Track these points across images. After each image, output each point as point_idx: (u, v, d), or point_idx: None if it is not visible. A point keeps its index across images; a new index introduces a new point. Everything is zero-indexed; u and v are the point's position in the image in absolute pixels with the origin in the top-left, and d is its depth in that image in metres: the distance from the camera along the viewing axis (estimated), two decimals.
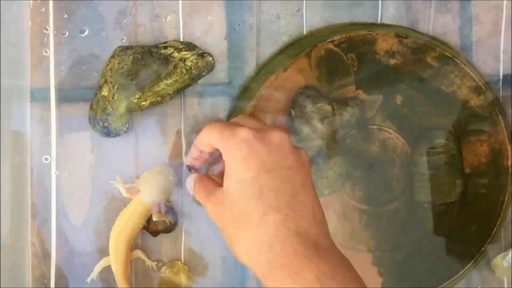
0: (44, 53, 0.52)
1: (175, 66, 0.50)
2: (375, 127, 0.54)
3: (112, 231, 0.51)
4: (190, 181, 0.48)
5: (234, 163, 0.40)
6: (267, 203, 0.38)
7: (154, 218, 0.52)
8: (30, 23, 0.52)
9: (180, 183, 0.54)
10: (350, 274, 0.38)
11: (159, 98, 0.51)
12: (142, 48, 0.51)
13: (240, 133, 0.40)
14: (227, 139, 0.41)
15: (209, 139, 0.43)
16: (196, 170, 0.49)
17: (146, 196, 0.51)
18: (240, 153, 0.40)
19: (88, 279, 0.52)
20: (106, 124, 0.51)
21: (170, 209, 0.53)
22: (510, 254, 0.55)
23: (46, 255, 0.53)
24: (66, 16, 0.52)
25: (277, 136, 0.41)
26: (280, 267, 0.37)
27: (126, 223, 0.51)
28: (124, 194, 0.52)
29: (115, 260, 0.51)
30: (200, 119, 0.53)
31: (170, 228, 0.53)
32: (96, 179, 0.53)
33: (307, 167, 0.41)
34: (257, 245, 0.38)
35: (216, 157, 0.49)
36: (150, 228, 0.53)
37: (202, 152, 0.47)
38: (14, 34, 0.51)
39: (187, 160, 0.49)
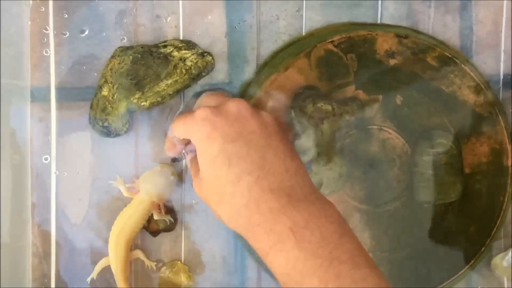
0: (44, 53, 0.52)
1: (175, 66, 0.50)
2: (375, 127, 0.54)
3: (112, 231, 0.51)
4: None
5: (201, 142, 0.42)
6: (238, 170, 0.40)
7: (155, 217, 0.52)
8: (30, 23, 0.52)
9: (180, 182, 0.54)
10: (327, 219, 0.39)
11: (159, 99, 0.51)
12: (142, 47, 0.51)
13: (199, 114, 0.42)
14: (190, 125, 0.43)
15: (177, 132, 0.46)
16: (178, 161, 0.51)
17: (146, 196, 0.51)
18: (202, 132, 0.42)
19: (88, 279, 0.52)
20: (106, 124, 0.51)
21: (170, 208, 0.53)
22: (510, 254, 0.55)
23: (46, 255, 0.53)
24: (66, 16, 0.52)
25: (234, 106, 0.43)
26: (257, 226, 0.39)
27: (126, 223, 0.51)
28: (125, 194, 0.52)
29: (115, 260, 0.51)
30: None
31: (170, 228, 0.53)
32: (96, 179, 0.53)
33: (271, 126, 0.43)
34: (237, 210, 0.40)
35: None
36: (150, 227, 0.53)
37: (175, 144, 0.49)
38: (14, 34, 0.51)
39: (168, 154, 0.51)
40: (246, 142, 0.41)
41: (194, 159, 0.47)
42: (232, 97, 0.46)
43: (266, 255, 0.39)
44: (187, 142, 0.49)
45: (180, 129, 0.46)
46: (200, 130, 0.42)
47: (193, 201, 0.54)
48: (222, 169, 0.40)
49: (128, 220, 0.51)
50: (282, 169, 0.40)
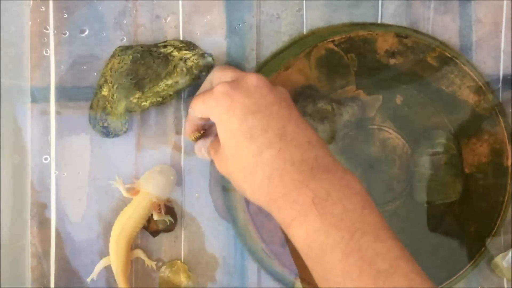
0: (44, 53, 0.52)
1: (175, 66, 0.50)
2: (375, 127, 0.54)
3: (113, 231, 0.51)
4: (199, 148, 0.48)
5: (221, 117, 0.41)
6: (259, 142, 0.39)
7: (155, 217, 0.52)
8: (30, 22, 0.52)
9: (180, 182, 0.54)
10: (350, 190, 0.38)
11: (159, 99, 0.51)
12: (141, 47, 0.51)
13: (217, 90, 0.42)
14: (209, 101, 0.42)
15: (197, 110, 0.45)
16: (199, 138, 0.49)
17: (146, 196, 0.51)
18: (222, 107, 0.41)
19: (89, 279, 0.52)
20: (106, 124, 0.51)
21: (170, 208, 0.53)
22: (510, 254, 0.55)
23: (46, 255, 0.53)
24: (66, 16, 0.52)
25: (252, 79, 0.42)
26: (280, 198, 0.38)
27: (126, 223, 0.51)
28: (125, 194, 0.52)
29: (115, 260, 0.51)
30: None
31: (170, 228, 0.53)
32: (96, 179, 0.53)
33: (288, 100, 0.42)
34: (260, 183, 0.39)
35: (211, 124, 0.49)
36: (150, 227, 0.53)
37: (196, 126, 0.48)
38: (14, 34, 0.51)
39: (189, 138, 0.49)
40: (266, 114, 0.40)
41: (214, 139, 0.47)
42: (246, 72, 0.45)
43: (288, 227, 0.39)
44: (206, 121, 0.48)
45: (199, 107, 0.44)
46: (220, 105, 0.41)
47: (196, 195, 0.54)
48: (244, 142, 0.40)
49: (128, 220, 0.51)
50: (304, 140, 0.40)
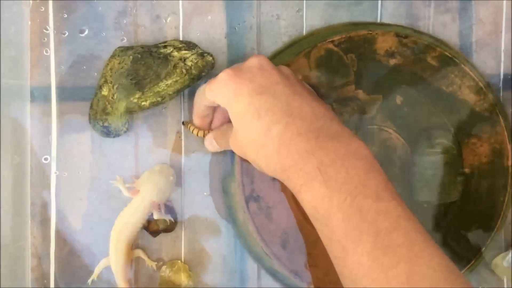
0: (44, 53, 0.52)
1: (175, 66, 0.50)
2: (375, 127, 0.54)
3: (113, 230, 0.51)
4: (209, 141, 0.50)
5: (229, 101, 0.43)
6: (267, 120, 0.41)
7: (155, 216, 0.52)
8: (30, 22, 0.52)
9: (180, 182, 0.54)
10: (354, 156, 0.40)
11: (159, 99, 0.51)
12: (142, 48, 0.51)
13: (221, 76, 0.44)
14: (215, 89, 0.44)
15: (207, 97, 0.46)
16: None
17: (146, 195, 0.51)
18: (229, 91, 0.43)
19: (89, 280, 0.52)
20: (106, 124, 0.51)
21: (170, 208, 0.53)
22: (510, 254, 0.55)
23: (46, 255, 0.53)
24: (66, 15, 0.52)
25: (255, 61, 0.44)
26: (289, 168, 0.41)
27: (126, 223, 0.51)
28: (125, 193, 0.52)
29: (115, 260, 0.51)
30: None
31: (170, 228, 0.53)
32: (96, 179, 0.53)
33: (292, 78, 0.44)
34: (271, 157, 0.42)
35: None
36: (150, 228, 0.53)
37: (204, 117, 0.50)
38: (14, 34, 0.51)
39: (198, 134, 0.51)
40: (271, 94, 0.42)
41: (221, 128, 0.50)
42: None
43: (298, 193, 0.41)
44: (213, 111, 0.50)
45: (209, 97, 0.46)
46: (227, 90, 0.43)
47: (205, 193, 0.54)
48: (253, 122, 0.42)
49: (128, 220, 0.51)
50: (309, 113, 0.42)
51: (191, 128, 0.52)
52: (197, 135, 0.52)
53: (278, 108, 0.41)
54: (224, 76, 0.43)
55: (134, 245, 0.53)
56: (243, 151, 0.44)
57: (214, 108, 0.50)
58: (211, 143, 0.50)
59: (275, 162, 0.42)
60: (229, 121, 0.46)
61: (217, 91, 0.44)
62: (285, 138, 0.41)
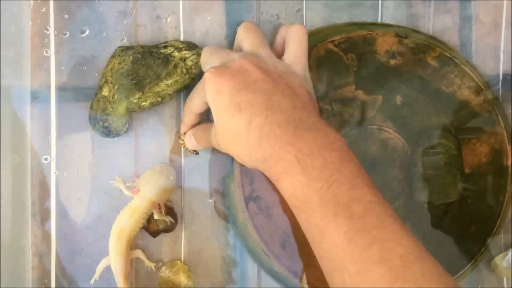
0: (44, 53, 0.52)
1: (175, 66, 0.51)
2: (375, 127, 0.54)
3: (112, 230, 0.51)
4: (188, 137, 0.51)
5: (213, 99, 0.45)
6: (248, 114, 0.43)
7: (155, 216, 0.52)
8: (30, 23, 0.52)
9: (179, 183, 0.54)
10: (331, 146, 0.42)
11: (159, 99, 0.51)
12: (142, 48, 0.51)
13: (206, 75, 0.46)
14: (201, 88, 0.47)
15: (195, 105, 0.49)
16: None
17: (147, 195, 0.51)
18: (213, 91, 0.45)
19: (92, 281, 0.52)
20: (106, 124, 0.51)
21: (170, 208, 0.53)
22: (510, 254, 0.55)
23: (46, 255, 0.53)
24: (66, 16, 0.52)
25: (237, 61, 0.46)
26: (269, 157, 0.43)
27: (126, 222, 0.51)
28: (126, 193, 0.52)
29: (115, 259, 0.51)
30: None
31: (170, 229, 0.53)
32: (96, 179, 0.53)
33: (274, 73, 0.46)
34: (252, 148, 0.44)
35: None
36: (150, 228, 0.53)
37: (193, 119, 0.52)
38: (14, 34, 0.51)
39: (190, 146, 0.52)
40: (252, 90, 0.44)
41: (198, 126, 0.51)
42: (235, 52, 0.48)
43: (277, 181, 0.43)
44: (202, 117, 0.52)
45: (197, 102, 0.49)
46: (211, 89, 0.45)
47: (205, 195, 0.54)
48: (234, 116, 0.44)
49: (128, 220, 0.51)
50: (289, 106, 0.44)
51: (182, 143, 0.53)
52: (180, 142, 0.53)
53: (258, 103, 0.43)
54: (207, 75, 0.45)
55: (133, 245, 0.53)
56: (225, 144, 0.46)
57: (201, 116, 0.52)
58: (190, 140, 0.52)
59: (256, 153, 0.43)
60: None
61: (203, 90, 0.46)
62: (265, 130, 0.43)
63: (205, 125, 0.51)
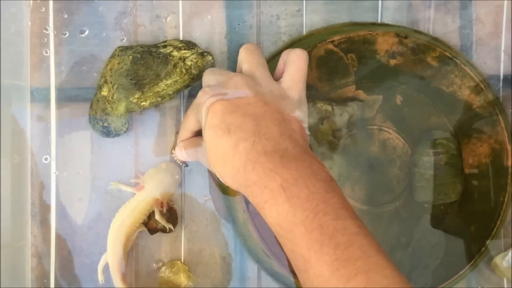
0: (44, 53, 0.52)
1: (175, 66, 0.50)
2: (375, 127, 0.54)
3: (112, 223, 0.51)
4: (179, 149, 0.51)
5: (205, 117, 0.46)
6: (236, 136, 0.44)
7: (157, 217, 0.52)
8: (30, 23, 0.52)
9: (180, 182, 0.54)
10: (315, 176, 0.43)
11: (159, 99, 0.51)
12: (141, 47, 0.51)
13: (200, 98, 0.47)
14: (197, 110, 0.48)
15: (189, 123, 0.50)
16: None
17: (151, 192, 0.51)
18: (206, 109, 0.46)
19: (100, 280, 0.52)
20: (106, 124, 0.51)
21: (172, 208, 0.53)
22: (510, 254, 0.55)
23: (46, 255, 0.53)
24: (66, 16, 0.52)
25: (231, 85, 0.46)
26: (253, 184, 0.43)
27: (126, 218, 0.51)
28: (128, 189, 0.52)
29: (112, 254, 0.51)
30: None
31: (169, 229, 0.53)
32: (96, 179, 0.53)
33: (268, 96, 0.46)
34: (237, 171, 0.44)
35: None
36: (149, 224, 0.53)
37: (189, 133, 0.52)
38: (14, 34, 0.51)
39: (180, 157, 0.52)
40: (242, 113, 0.44)
41: (189, 139, 0.51)
42: (231, 73, 0.49)
43: (262, 209, 0.43)
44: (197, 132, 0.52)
45: (192, 121, 0.49)
46: (205, 110, 0.46)
47: (205, 198, 0.54)
48: (223, 136, 0.44)
49: (129, 215, 0.51)
50: (276, 134, 0.44)
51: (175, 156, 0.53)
52: (173, 153, 0.53)
53: (247, 127, 0.44)
54: (202, 99, 0.46)
55: (133, 243, 0.53)
56: (212, 162, 0.46)
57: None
58: (180, 152, 0.51)
59: (240, 176, 0.44)
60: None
61: (199, 113, 0.47)
62: (251, 155, 0.43)
63: (196, 139, 0.50)
